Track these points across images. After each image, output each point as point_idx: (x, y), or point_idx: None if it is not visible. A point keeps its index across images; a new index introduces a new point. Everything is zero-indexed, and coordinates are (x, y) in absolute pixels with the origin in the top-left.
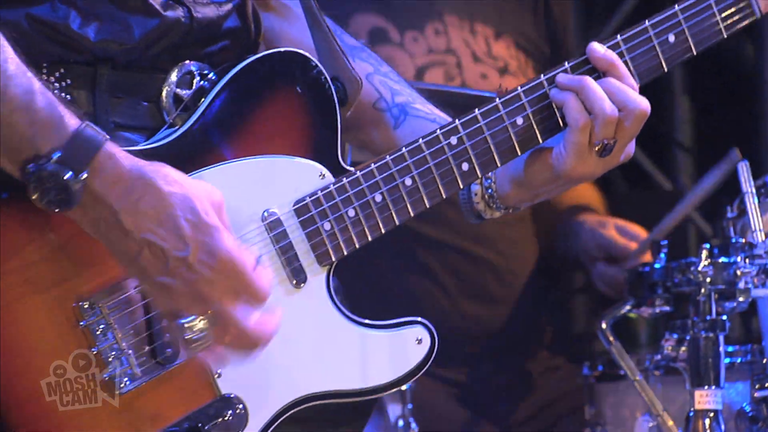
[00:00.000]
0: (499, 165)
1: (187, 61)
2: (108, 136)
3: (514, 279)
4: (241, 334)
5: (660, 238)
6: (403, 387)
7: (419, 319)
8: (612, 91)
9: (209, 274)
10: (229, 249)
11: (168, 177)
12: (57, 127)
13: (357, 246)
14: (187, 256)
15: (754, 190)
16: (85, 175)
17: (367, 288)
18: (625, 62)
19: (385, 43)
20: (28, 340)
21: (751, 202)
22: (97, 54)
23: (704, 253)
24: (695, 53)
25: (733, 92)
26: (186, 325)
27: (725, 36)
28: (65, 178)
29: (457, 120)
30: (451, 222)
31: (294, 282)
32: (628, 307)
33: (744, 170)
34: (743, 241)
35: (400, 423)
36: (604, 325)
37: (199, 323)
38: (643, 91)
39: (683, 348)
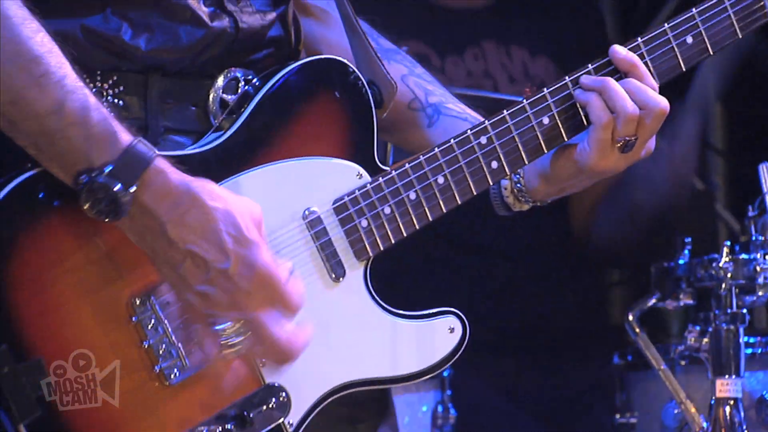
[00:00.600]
0: (526, 163)
1: (233, 68)
2: (157, 152)
3: (548, 274)
4: (274, 342)
5: None
6: (444, 374)
7: (452, 309)
8: (633, 90)
9: (247, 285)
10: (267, 263)
11: (213, 193)
12: (110, 142)
13: (393, 241)
14: (227, 268)
15: None
16: (134, 188)
17: (405, 281)
18: (646, 63)
19: (427, 68)
20: (84, 339)
21: None
22: (148, 62)
23: (725, 250)
24: (712, 53)
25: (763, 99)
26: (222, 332)
27: (740, 36)
28: (115, 190)
29: (486, 120)
30: (486, 223)
31: (333, 276)
32: (654, 300)
33: (765, 171)
34: (763, 238)
35: (440, 408)
36: (630, 317)
37: (234, 330)
38: (675, 96)
39: (705, 339)
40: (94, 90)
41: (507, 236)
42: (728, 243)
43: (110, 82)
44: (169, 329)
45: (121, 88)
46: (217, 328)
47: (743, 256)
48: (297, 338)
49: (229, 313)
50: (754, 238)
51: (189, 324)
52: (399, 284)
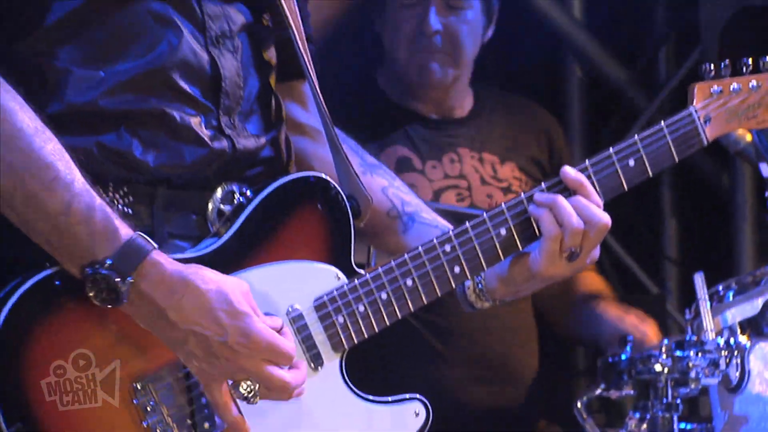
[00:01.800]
0: (485, 269)
1: (230, 182)
2: (156, 246)
3: (516, 361)
4: (281, 386)
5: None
6: None
7: (417, 396)
8: (579, 207)
9: (246, 351)
10: (259, 329)
11: (204, 277)
12: (111, 239)
13: (366, 336)
14: (226, 340)
15: (707, 297)
16: (131, 279)
17: (380, 369)
18: (592, 182)
19: (410, 170)
20: (91, 419)
21: (704, 307)
22: (155, 176)
23: (663, 348)
24: (651, 175)
25: (711, 214)
26: (236, 388)
27: (677, 161)
28: (115, 280)
29: (451, 231)
30: (456, 311)
31: (312, 366)
32: (599, 390)
33: (699, 281)
34: (695, 338)
35: None
36: (579, 405)
37: (247, 384)
38: (638, 214)
39: (644, 425)
40: (106, 199)
41: (476, 329)
42: (666, 341)
43: (121, 192)
44: (166, 411)
45: (131, 198)
46: (230, 383)
47: (678, 353)
48: (297, 376)
49: (236, 375)
50: (688, 337)
51: (187, 404)
52: (375, 369)
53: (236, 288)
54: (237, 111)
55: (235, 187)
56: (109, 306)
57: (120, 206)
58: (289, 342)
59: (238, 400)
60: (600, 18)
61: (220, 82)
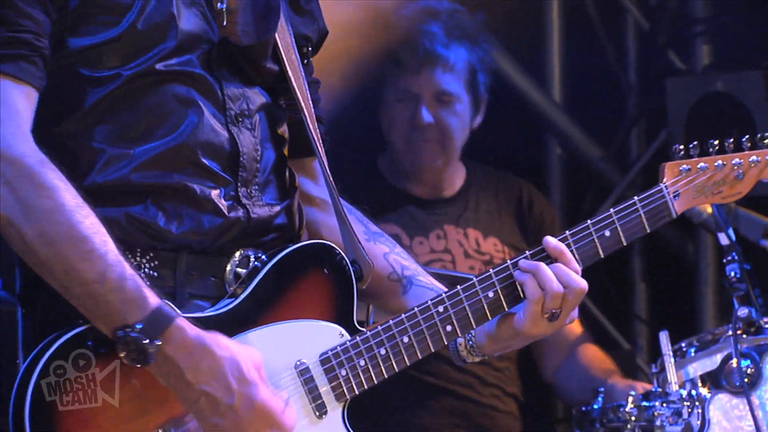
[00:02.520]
0: (474, 327)
1: (246, 248)
2: (180, 313)
3: (499, 415)
4: None
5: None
6: None
7: None
8: (560, 273)
9: (249, 416)
10: (264, 398)
11: (221, 344)
12: (141, 306)
13: (366, 387)
14: (233, 403)
15: (671, 353)
16: (158, 342)
17: (380, 413)
18: (572, 250)
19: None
20: None
21: (669, 362)
22: (178, 243)
23: (630, 399)
24: (625, 244)
25: (677, 279)
26: None
27: (648, 231)
28: (144, 343)
29: (444, 293)
30: (450, 371)
31: (317, 414)
32: None
33: (664, 338)
34: (660, 390)
35: None
36: None
37: None
38: (611, 278)
39: None
40: (133, 263)
41: (473, 388)
42: (633, 393)
43: (147, 257)
44: None
45: (156, 263)
46: None
47: (645, 403)
48: None
49: None
50: (654, 389)
51: None
52: (374, 413)
53: (248, 358)
54: (254, 182)
55: (250, 252)
56: (137, 365)
57: (146, 270)
58: (292, 415)
59: None
60: (577, 101)
61: (238, 157)
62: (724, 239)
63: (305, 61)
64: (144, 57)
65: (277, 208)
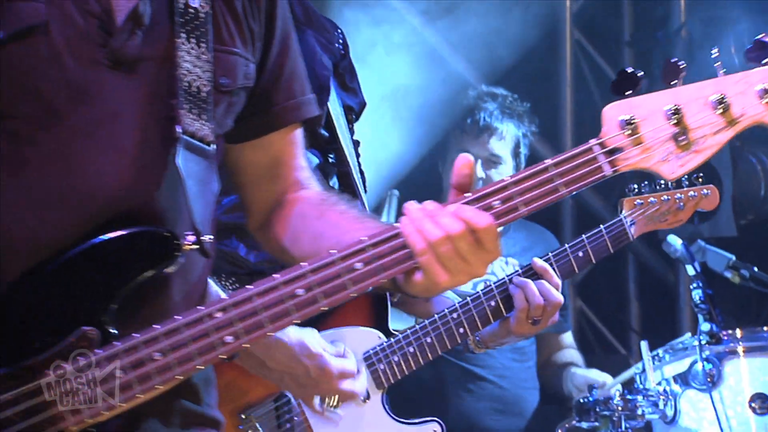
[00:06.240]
0: (480, 329)
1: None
2: None
3: (524, 400)
4: (351, 395)
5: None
6: None
7: (436, 419)
8: (542, 290)
9: (324, 378)
10: (328, 362)
11: (288, 334)
12: None
13: (399, 377)
14: (311, 374)
15: (651, 358)
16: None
17: (423, 398)
18: (554, 268)
19: None
20: None
21: (649, 365)
22: (254, 269)
23: (617, 394)
24: (594, 262)
25: (661, 299)
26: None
27: (612, 251)
28: None
29: (457, 303)
30: (486, 363)
31: (362, 399)
32: (574, 422)
33: (645, 346)
34: (641, 386)
35: None
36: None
37: (332, 400)
38: (611, 298)
39: None
40: (218, 284)
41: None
42: (619, 389)
43: (230, 281)
44: None
45: (237, 285)
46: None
47: (629, 396)
48: (359, 386)
49: (323, 393)
50: (636, 385)
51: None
52: (418, 398)
53: (309, 336)
54: None
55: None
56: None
57: (229, 291)
58: (350, 360)
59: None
60: None
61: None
62: (691, 270)
63: (350, 126)
64: None
65: None
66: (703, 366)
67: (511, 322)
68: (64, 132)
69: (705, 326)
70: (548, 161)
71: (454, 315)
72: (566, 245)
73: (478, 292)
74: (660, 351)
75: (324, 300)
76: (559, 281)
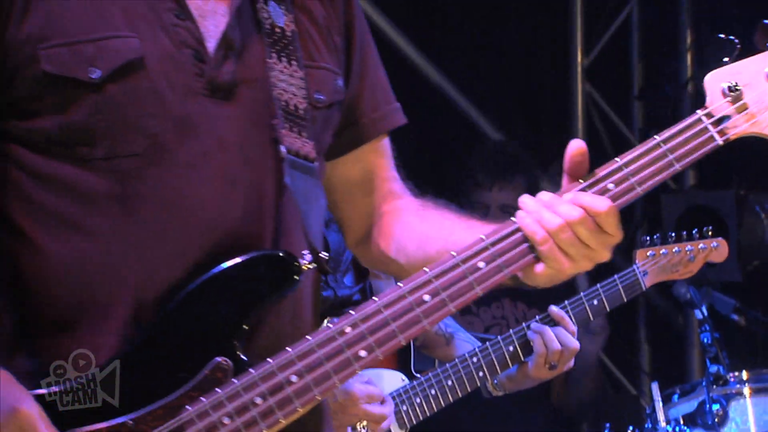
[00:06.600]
0: (499, 372)
1: (333, 317)
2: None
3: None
4: (380, 417)
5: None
6: None
7: None
8: (559, 336)
9: (350, 403)
10: (358, 388)
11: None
12: None
13: (421, 418)
14: (337, 399)
15: (660, 399)
16: None
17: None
18: (569, 315)
19: (469, 313)
20: None
21: (658, 406)
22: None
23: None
24: (608, 310)
25: (671, 342)
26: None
27: (625, 300)
28: None
29: (477, 348)
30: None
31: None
32: None
33: (655, 387)
34: (651, 426)
35: None
36: None
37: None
38: (623, 341)
39: None
40: None
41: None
42: (631, 428)
43: None
44: None
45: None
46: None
47: None
48: (387, 409)
49: (351, 421)
50: (647, 425)
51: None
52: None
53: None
54: (338, 270)
55: (335, 320)
56: None
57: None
58: (375, 387)
59: None
60: None
61: (329, 253)
62: (699, 314)
63: None
64: None
65: (356, 289)
66: (711, 406)
67: (529, 366)
68: (174, 166)
69: (712, 368)
70: (657, 138)
71: (474, 359)
72: (581, 293)
73: (497, 337)
74: (669, 392)
75: (451, 303)
76: (575, 328)
